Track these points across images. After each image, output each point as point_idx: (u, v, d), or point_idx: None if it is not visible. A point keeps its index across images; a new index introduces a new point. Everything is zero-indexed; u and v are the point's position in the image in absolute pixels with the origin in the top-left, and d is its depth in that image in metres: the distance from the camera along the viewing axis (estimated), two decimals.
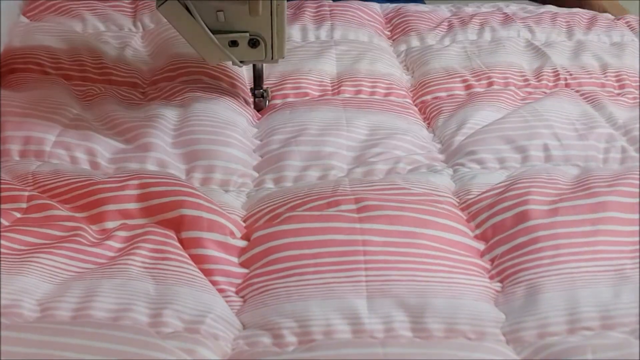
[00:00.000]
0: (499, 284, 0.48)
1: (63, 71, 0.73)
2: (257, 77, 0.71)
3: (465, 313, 0.44)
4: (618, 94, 0.77)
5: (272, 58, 0.66)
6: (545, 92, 0.76)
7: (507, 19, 0.93)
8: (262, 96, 0.72)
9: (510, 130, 0.65)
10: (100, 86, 0.72)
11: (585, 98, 0.73)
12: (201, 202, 0.52)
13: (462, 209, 0.55)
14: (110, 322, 0.42)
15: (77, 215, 0.52)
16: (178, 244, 0.49)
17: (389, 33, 0.92)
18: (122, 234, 0.50)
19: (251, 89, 0.72)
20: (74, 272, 0.46)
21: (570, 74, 0.79)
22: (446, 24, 0.91)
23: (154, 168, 0.60)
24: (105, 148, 0.61)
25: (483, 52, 0.83)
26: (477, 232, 0.52)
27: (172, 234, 0.50)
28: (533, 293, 0.46)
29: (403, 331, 0.43)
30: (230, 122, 0.66)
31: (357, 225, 0.49)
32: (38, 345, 0.39)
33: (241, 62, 0.66)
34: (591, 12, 0.98)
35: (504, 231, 0.51)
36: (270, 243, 0.49)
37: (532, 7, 1.01)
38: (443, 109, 0.72)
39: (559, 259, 0.47)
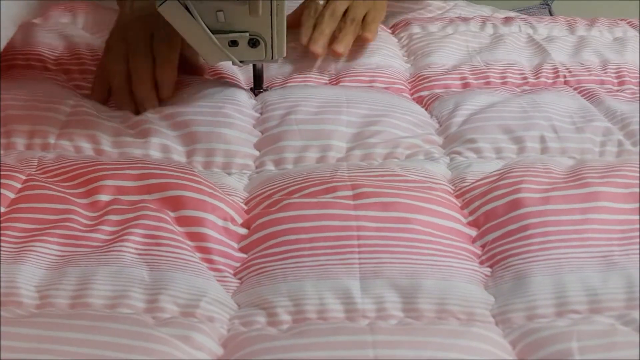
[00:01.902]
0: (488, 269, 0.49)
1: (63, 66, 0.75)
2: (257, 77, 0.71)
3: (455, 294, 0.45)
4: (617, 90, 0.78)
5: (272, 58, 0.67)
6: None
7: (509, 18, 0.94)
8: None
9: (509, 120, 0.66)
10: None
11: (583, 95, 0.74)
12: (203, 187, 0.54)
13: (457, 197, 0.56)
14: (107, 314, 0.43)
15: (70, 193, 0.53)
16: (171, 227, 0.50)
17: (390, 30, 0.93)
18: (114, 217, 0.51)
19: (251, 88, 0.72)
20: (68, 257, 0.48)
21: (570, 71, 0.80)
22: (447, 19, 0.93)
23: (157, 154, 0.61)
24: (107, 134, 0.63)
25: (484, 49, 0.83)
26: (470, 218, 0.54)
27: (165, 216, 0.51)
28: (521, 277, 0.47)
29: (394, 311, 0.45)
30: (229, 96, 0.68)
31: (352, 212, 0.51)
32: (37, 339, 0.40)
33: (241, 62, 0.67)
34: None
35: (495, 218, 0.52)
36: (269, 229, 0.51)
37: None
38: (440, 96, 0.74)
39: (547, 245, 0.48)
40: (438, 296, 0.45)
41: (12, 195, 0.53)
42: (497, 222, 0.52)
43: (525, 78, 0.79)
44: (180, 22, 0.62)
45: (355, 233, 0.49)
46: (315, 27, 0.77)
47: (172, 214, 0.52)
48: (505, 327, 0.44)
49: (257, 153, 0.63)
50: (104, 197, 0.53)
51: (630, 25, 0.94)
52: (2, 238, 0.48)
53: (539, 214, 0.51)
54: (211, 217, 0.51)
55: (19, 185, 0.54)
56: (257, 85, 0.72)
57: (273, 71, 0.76)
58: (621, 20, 0.97)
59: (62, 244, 0.49)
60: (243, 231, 0.52)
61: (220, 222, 0.51)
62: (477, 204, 0.54)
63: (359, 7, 0.80)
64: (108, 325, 0.42)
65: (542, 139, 0.64)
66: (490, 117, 0.67)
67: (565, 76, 0.79)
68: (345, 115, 0.65)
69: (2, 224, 0.50)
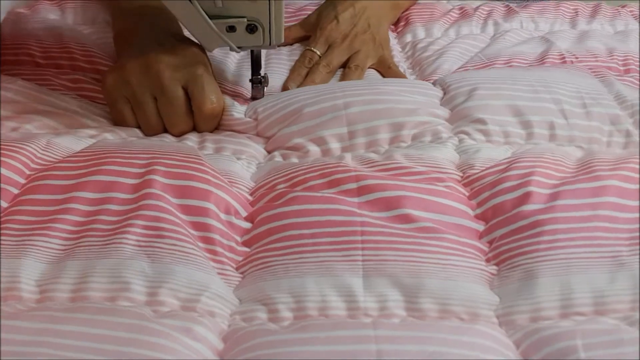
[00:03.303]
0: (495, 267, 0.48)
1: (53, 60, 0.73)
2: (255, 63, 0.70)
3: (459, 294, 0.45)
4: (625, 72, 0.77)
5: (269, 44, 0.66)
6: None
7: (510, 11, 0.92)
8: (260, 82, 0.70)
9: (518, 100, 0.64)
10: (90, 75, 0.73)
11: (594, 74, 0.73)
12: (209, 177, 0.53)
13: (465, 185, 0.55)
14: (107, 307, 0.43)
15: (71, 182, 0.52)
16: (174, 218, 0.49)
17: (393, 26, 0.92)
18: (115, 207, 0.50)
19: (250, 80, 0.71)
20: (69, 250, 0.47)
21: (576, 57, 0.79)
22: (450, 15, 0.91)
23: (171, 138, 0.62)
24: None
25: (486, 47, 0.83)
26: (478, 211, 0.52)
27: (167, 205, 0.50)
28: (528, 277, 0.46)
29: (397, 310, 0.44)
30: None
31: (357, 209, 0.50)
32: (36, 332, 0.40)
33: (239, 47, 0.66)
34: (594, 2, 0.97)
35: (504, 213, 0.51)
36: (272, 224, 0.50)
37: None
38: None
39: (556, 244, 0.47)
40: (442, 296, 0.44)
41: (15, 191, 0.52)
42: (506, 217, 0.50)
43: (530, 64, 0.77)
44: (178, 7, 0.61)
45: (359, 229, 0.48)
46: (307, 76, 0.75)
47: (175, 201, 0.50)
48: (508, 328, 0.44)
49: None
50: (108, 183, 0.52)
51: (632, 15, 0.93)
52: (3, 232, 0.48)
53: (549, 210, 0.50)
54: (215, 209, 0.50)
55: (22, 181, 0.53)
56: (255, 72, 0.70)
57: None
58: (622, 7, 0.94)
59: (63, 237, 0.48)
60: (246, 225, 0.51)
61: (223, 216, 0.51)
62: (485, 195, 0.53)
63: (363, 55, 0.78)
64: (108, 318, 0.41)
65: (551, 125, 0.63)
66: (499, 94, 0.65)
67: (572, 62, 0.78)
68: (341, 99, 0.63)
69: (4, 217, 0.49)
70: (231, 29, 0.63)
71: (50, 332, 0.40)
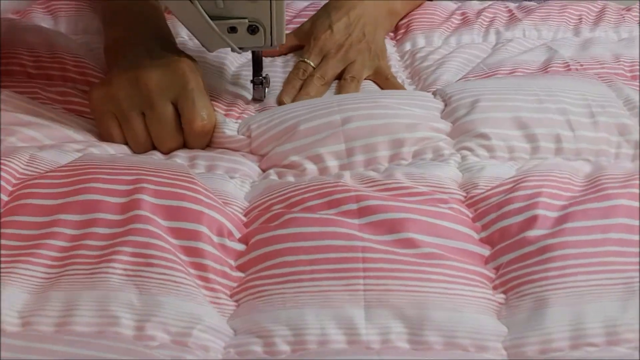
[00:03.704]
0: (502, 296, 0.46)
1: (44, 70, 0.71)
2: (256, 63, 0.70)
3: (465, 326, 0.42)
4: (632, 78, 0.74)
5: (271, 44, 0.65)
6: None
7: (513, 18, 0.90)
8: (261, 83, 0.70)
9: (523, 111, 0.62)
10: (80, 87, 0.70)
11: (601, 80, 0.71)
12: (201, 197, 0.50)
13: (469, 206, 0.53)
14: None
15: (57, 202, 0.49)
16: (163, 244, 0.46)
17: (392, 34, 0.90)
18: (101, 231, 0.47)
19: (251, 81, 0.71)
20: (53, 278, 0.45)
21: (581, 64, 0.77)
22: (451, 22, 0.89)
23: (159, 155, 0.60)
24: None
25: (488, 57, 0.81)
26: (483, 234, 0.50)
27: (157, 230, 0.47)
28: (538, 307, 0.44)
29: (400, 343, 0.42)
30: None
31: (358, 233, 0.47)
32: (23, 351, 0.38)
33: (240, 48, 0.65)
34: (601, 3, 0.95)
35: (511, 237, 0.48)
36: (268, 248, 0.47)
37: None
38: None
39: (566, 271, 0.45)
40: (447, 328, 0.42)
41: None
42: (513, 242, 0.48)
43: (534, 74, 0.75)
44: (179, 8, 0.60)
45: (360, 255, 0.45)
46: (301, 88, 0.73)
47: (165, 224, 0.48)
48: None
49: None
50: (93, 203, 0.49)
51: (636, 21, 0.91)
52: None
53: (558, 233, 0.47)
54: (208, 231, 0.48)
55: (6, 198, 0.50)
56: (256, 73, 0.70)
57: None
58: (627, 11, 0.92)
59: (47, 265, 0.45)
60: (240, 247, 0.49)
61: (216, 239, 0.48)
62: (491, 217, 0.51)
63: (359, 66, 0.76)
64: (97, 341, 0.39)
65: (557, 138, 0.60)
66: (502, 106, 0.63)
67: (577, 69, 0.76)
68: (338, 114, 0.61)
69: None
70: (232, 29, 0.63)
71: (37, 351, 0.38)
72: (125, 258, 0.45)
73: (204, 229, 0.48)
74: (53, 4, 0.88)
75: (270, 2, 0.61)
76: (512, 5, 0.95)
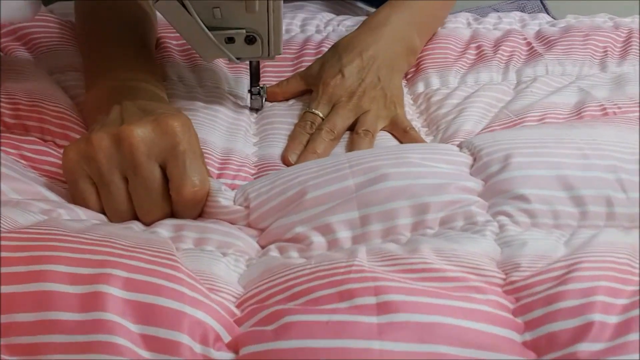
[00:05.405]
0: None
1: (21, 120, 0.62)
2: (254, 74, 0.70)
3: None
4: None
5: (268, 55, 0.65)
6: None
7: (533, 53, 0.81)
8: (259, 93, 0.71)
9: (566, 168, 0.53)
10: (59, 141, 0.62)
11: None
12: (184, 289, 0.40)
13: (508, 292, 0.43)
14: None
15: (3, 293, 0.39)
16: None
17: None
18: (60, 339, 0.37)
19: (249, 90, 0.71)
20: None
21: (619, 107, 0.68)
22: (466, 58, 0.80)
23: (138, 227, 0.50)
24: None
25: (512, 101, 0.72)
26: (528, 337, 0.40)
27: (127, 343, 0.37)
28: None
29: None
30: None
31: (376, 340, 0.37)
32: None
33: (238, 58, 0.65)
34: (626, 30, 0.86)
35: (562, 347, 0.39)
36: None
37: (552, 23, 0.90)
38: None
39: None
40: None
41: None
42: (565, 354, 0.38)
43: (568, 120, 0.66)
44: (176, 19, 0.61)
45: None
46: (308, 143, 0.65)
47: (137, 330, 0.38)
48: None
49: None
50: (45, 295, 0.39)
51: None
52: None
53: (619, 349, 0.37)
54: (189, 340, 0.38)
55: None
56: (254, 83, 0.71)
57: None
58: None
59: None
60: (229, 357, 0.39)
61: (198, 349, 0.38)
62: (537, 314, 0.41)
63: (373, 116, 0.67)
64: None
65: (608, 202, 0.51)
66: (541, 162, 0.54)
67: (615, 112, 0.67)
68: (351, 178, 0.52)
69: None
70: (230, 40, 0.64)
71: None
72: None
73: (184, 338, 0.38)
74: (34, 37, 0.80)
75: (268, 13, 0.62)
76: (530, 34, 0.87)
